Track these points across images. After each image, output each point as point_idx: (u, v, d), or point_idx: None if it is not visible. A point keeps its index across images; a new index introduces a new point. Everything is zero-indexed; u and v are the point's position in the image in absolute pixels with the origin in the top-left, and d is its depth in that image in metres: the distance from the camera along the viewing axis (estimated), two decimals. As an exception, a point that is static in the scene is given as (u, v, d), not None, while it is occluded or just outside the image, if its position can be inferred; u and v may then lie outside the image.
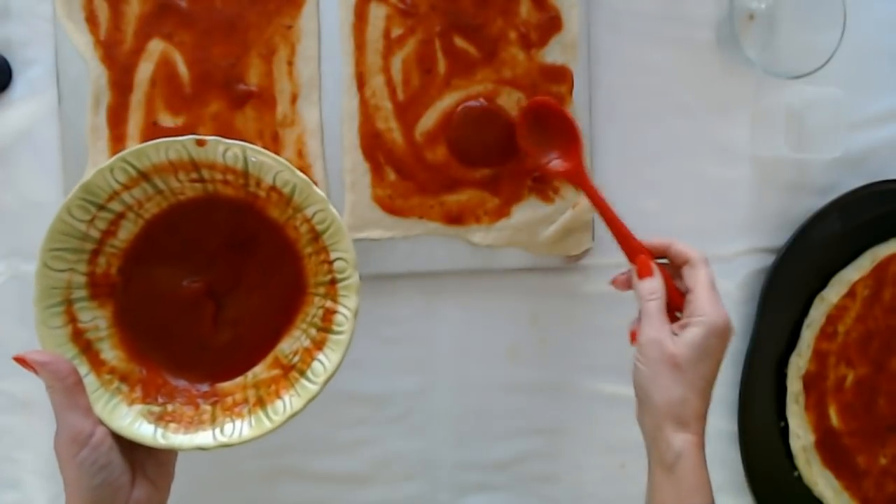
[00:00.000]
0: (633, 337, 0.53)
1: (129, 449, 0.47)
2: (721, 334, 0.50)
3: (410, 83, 0.61)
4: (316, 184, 0.51)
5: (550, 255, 0.64)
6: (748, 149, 0.67)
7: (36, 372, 0.44)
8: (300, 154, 0.61)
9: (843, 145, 0.64)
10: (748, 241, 0.68)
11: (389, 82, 0.61)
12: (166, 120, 0.59)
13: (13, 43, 0.60)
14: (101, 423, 0.46)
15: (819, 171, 0.68)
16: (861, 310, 0.68)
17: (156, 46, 0.59)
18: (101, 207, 0.49)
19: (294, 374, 0.51)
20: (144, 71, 0.59)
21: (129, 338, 0.51)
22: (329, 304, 0.51)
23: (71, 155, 0.60)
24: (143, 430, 0.48)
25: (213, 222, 0.52)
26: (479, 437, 0.67)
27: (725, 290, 0.67)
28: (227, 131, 0.59)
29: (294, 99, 0.60)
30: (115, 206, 0.49)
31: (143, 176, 0.49)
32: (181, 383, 0.52)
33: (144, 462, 0.48)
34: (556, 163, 0.59)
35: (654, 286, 0.53)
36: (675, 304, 0.54)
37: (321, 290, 0.52)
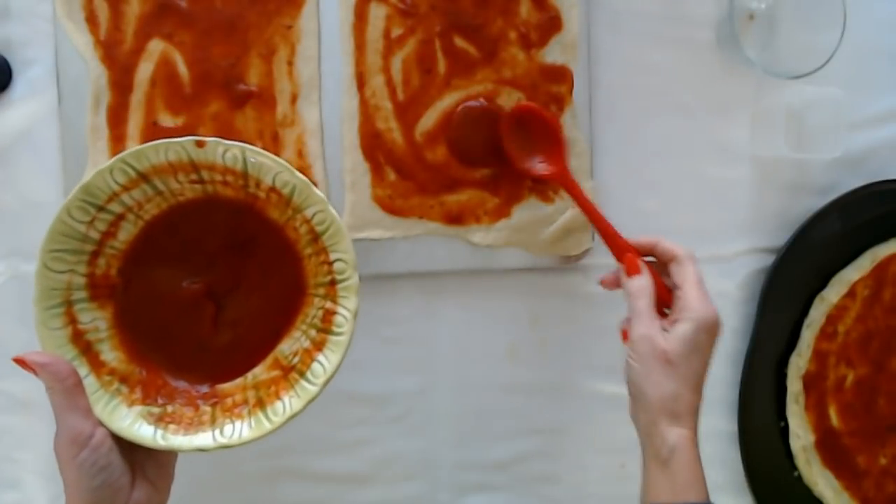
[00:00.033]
0: (625, 336, 0.53)
1: (129, 450, 0.47)
2: (710, 329, 0.51)
3: (410, 83, 0.61)
4: (315, 185, 0.51)
5: (550, 255, 0.64)
6: (748, 149, 0.67)
7: (36, 373, 0.44)
8: (300, 154, 0.60)
9: (843, 145, 0.64)
10: (748, 241, 0.68)
11: (389, 82, 0.61)
12: (166, 120, 0.59)
13: (13, 43, 0.60)
14: (100, 424, 0.46)
15: (819, 171, 0.68)
16: (861, 310, 0.68)
17: (156, 46, 0.59)
18: (101, 209, 0.49)
19: (294, 375, 0.51)
20: (144, 71, 0.59)
21: (128, 339, 0.51)
22: (329, 305, 0.51)
23: (71, 155, 0.59)
24: (143, 431, 0.48)
25: (212, 223, 0.52)
26: (479, 437, 0.67)
27: (725, 290, 0.67)
28: (227, 131, 0.59)
29: (294, 99, 0.60)
30: (115, 207, 0.49)
31: (143, 177, 0.49)
32: (181, 384, 0.52)
33: (144, 463, 0.48)
34: (541, 166, 0.60)
35: (642, 284, 0.53)
36: (664, 301, 0.54)
37: (321, 291, 0.52)
